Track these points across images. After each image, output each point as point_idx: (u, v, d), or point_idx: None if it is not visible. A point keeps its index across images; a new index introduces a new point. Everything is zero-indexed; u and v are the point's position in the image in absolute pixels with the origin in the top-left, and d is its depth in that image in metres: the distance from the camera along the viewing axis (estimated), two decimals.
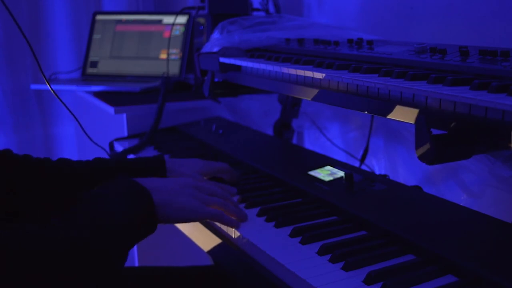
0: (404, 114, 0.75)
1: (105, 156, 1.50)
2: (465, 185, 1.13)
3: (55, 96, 1.20)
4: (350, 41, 1.09)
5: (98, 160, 1.01)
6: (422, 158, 0.70)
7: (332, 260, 0.73)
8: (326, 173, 1.04)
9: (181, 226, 1.05)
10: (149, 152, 1.36)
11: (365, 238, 0.80)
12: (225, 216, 0.86)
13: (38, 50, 2.27)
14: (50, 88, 1.21)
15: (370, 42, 1.04)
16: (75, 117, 1.28)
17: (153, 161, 1.02)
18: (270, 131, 1.59)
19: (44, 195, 0.94)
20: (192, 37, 1.86)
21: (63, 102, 1.21)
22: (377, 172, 1.42)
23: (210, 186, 0.92)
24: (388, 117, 0.78)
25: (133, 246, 0.77)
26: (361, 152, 1.48)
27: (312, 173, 1.05)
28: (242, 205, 0.94)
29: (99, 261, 0.70)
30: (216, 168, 1.06)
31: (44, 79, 1.17)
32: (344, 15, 1.65)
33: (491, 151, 0.94)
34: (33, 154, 1.00)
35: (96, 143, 1.42)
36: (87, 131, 1.35)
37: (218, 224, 0.89)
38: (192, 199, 0.85)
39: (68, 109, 1.24)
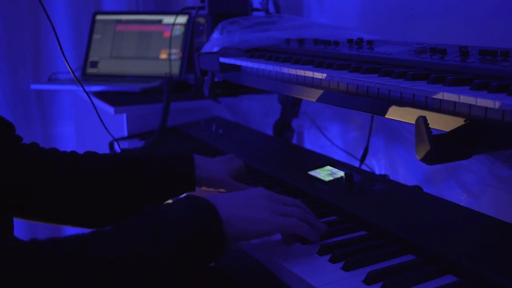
0: (404, 114, 0.75)
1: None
2: (465, 185, 1.13)
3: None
4: (350, 41, 1.09)
5: (125, 154, 1.01)
6: (422, 158, 0.70)
7: (332, 260, 0.73)
8: (326, 173, 1.04)
9: None
10: None
11: (365, 238, 0.80)
12: (305, 225, 0.77)
13: (38, 50, 2.27)
14: (82, 89, 1.21)
15: (370, 42, 1.04)
16: (96, 110, 1.28)
17: (182, 156, 1.01)
18: (270, 131, 1.59)
19: (71, 187, 0.94)
20: (192, 37, 1.86)
21: (92, 102, 1.22)
22: (377, 172, 1.42)
23: (283, 196, 0.83)
24: (388, 117, 0.78)
25: (200, 265, 0.70)
26: (361, 152, 1.48)
27: (312, 173, 1.05)
28: None
29: (160, 276, 0.65)
30: (237, 169, 1.05)
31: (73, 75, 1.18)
32: (344, 15, 1.65)
33: (491, 151, 0.94)
34: None
35: (111, 135, 1.41)
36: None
37: None
38: (264, 210, 0.76)
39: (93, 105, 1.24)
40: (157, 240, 0.67)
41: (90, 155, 1.00)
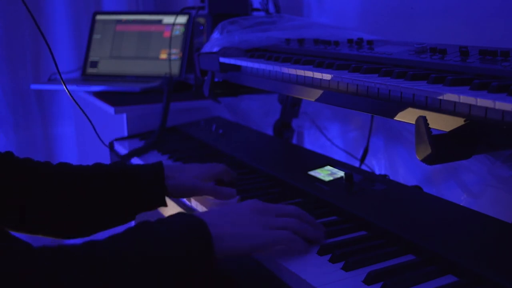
0: (404, 114, 0.75)
1: (106, 157, 1.50)
2: (465, 185, 1.13)
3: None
4: (350, 41, 1.09)
5: (97, 166, 1.01)
6: (422, 158, 0.70)
7: (332, 260, 0.73)
8: (326, 173, 1.04)
9: None
10: (150, 152, 1.36)
11: (365, 238, 0.80)
12: (297, 238, 0.76)
13: (38, 50, 2.27)
14: (66, 90, 1.21)
15: (370, 42, 1.04)
16: (86, 116, 1.28)
17: (152, 167, 1.00)
18: (270, 131, 1.59)
19: (42, 199, 0.94)
20: (192, 37, 1.86)
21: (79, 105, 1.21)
22: (377, 172, 1.42)
23: (277, 205, 0.82)
24: (388, 117, 0.78)
25: (187, 281, 0.69)
26: (361, 152, 1.48)
27: (312, 173, 1.05)
28: None
29: (160, 276, 0.65)
30: (215, 173, 1.04)
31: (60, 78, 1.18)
32: (344, 15, 1.65)
33: (491, 151, 0.94)
34: (33, 154, 1.00)
35: (104, 143, 1.42)
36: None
37: None
38: (256, 224, 0.75)
39: (80, 107, 1.24)
40: (158, 241, 0.67)
41: (62, 166, 0.99)
